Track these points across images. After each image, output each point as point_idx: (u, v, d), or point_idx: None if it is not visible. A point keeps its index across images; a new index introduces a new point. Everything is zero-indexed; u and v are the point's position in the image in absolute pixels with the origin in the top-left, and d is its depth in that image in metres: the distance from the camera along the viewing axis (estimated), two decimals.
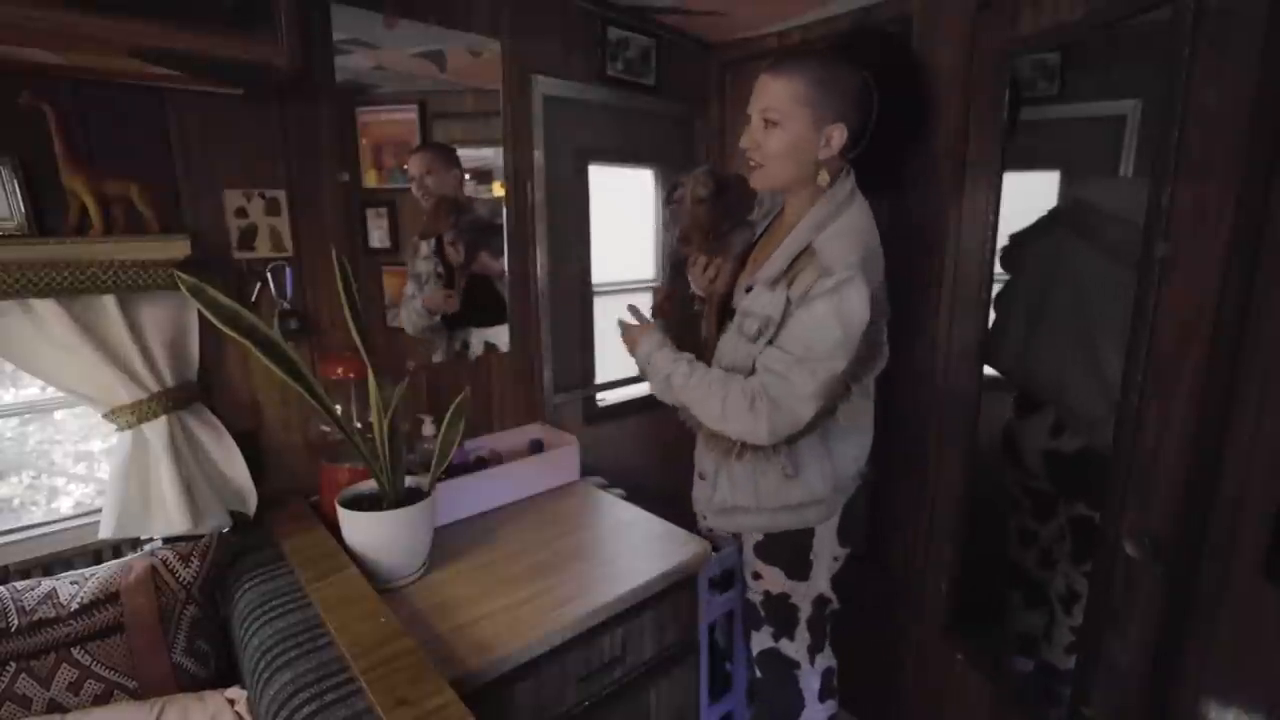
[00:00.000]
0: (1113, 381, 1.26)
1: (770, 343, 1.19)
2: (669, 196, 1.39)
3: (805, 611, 1.39)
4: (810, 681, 1.43)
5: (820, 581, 1.37)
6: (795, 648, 1.41)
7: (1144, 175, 1.38)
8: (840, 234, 1.17)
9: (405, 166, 1.51)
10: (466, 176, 1.61)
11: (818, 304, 1.12)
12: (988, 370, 1.53)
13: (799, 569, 1.36)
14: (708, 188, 1.32)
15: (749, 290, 1.27)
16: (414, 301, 1.58)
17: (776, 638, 1.42)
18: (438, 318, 1.62)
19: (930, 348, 1.61)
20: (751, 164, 1.23)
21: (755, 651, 1.47)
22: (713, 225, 1.34)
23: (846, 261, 1.12)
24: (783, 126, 1.16)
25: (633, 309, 1.39)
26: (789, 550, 1.35)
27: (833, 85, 1.15)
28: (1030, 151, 1.48)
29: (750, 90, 1.22)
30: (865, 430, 1.35)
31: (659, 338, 1.31)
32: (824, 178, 1.20)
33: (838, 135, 1.17)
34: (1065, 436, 1.50)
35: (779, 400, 1.15)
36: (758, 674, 1.49)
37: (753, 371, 1.21)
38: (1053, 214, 1.50)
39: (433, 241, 1.59)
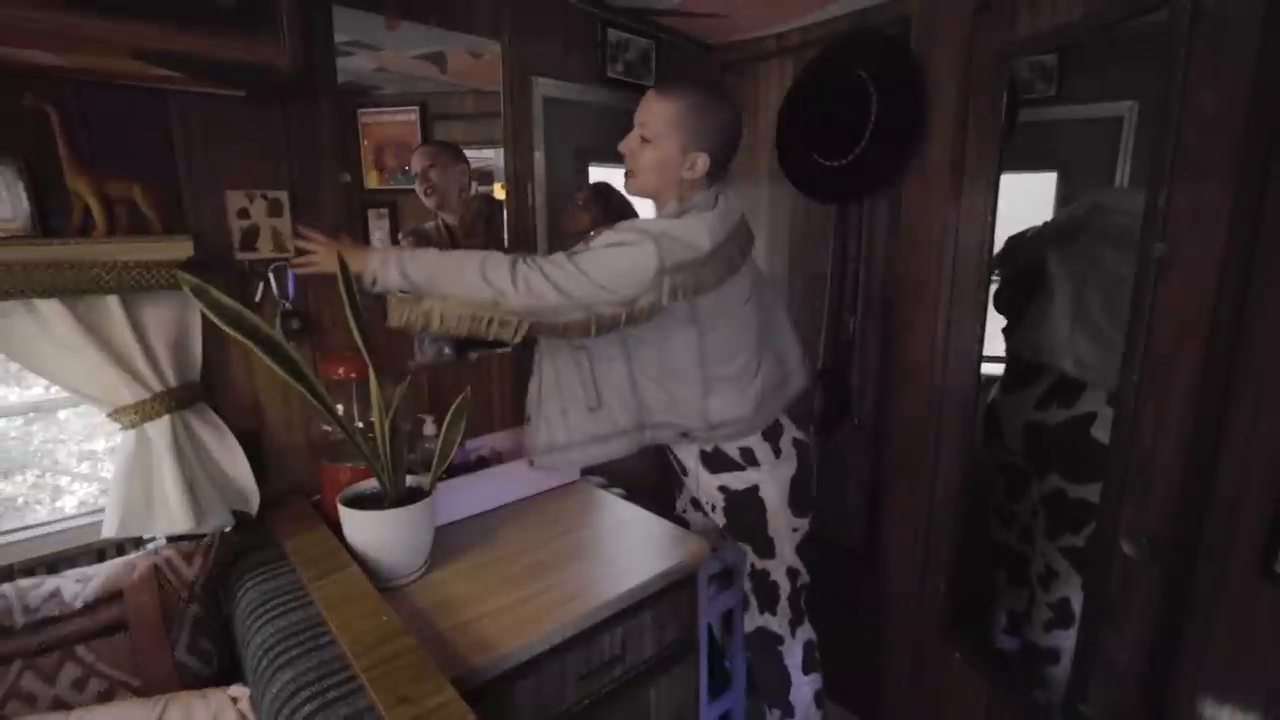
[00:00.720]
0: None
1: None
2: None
3: (785, 588, 1.47)
4: (794, 656, 1.50)
5: (787, 556, 1.46)
6: (778, 622, 1.49)
7: (1141, 176, 1.41)
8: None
9: (407, 167, 1.51)
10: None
11: (593, 246, 1.20)
12: (986, 369, 1.54)
13: (764, 548, 1.44)
14: (584, 194, 1.46)
15: None
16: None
17: (761, 611, 1.49)
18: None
19: (928, 347, 1.62)
20: (626, 169, 1.32)
21: (747, 631, 1.53)
22: (589, 227, 1.44)
23: (633, 227, 1.21)
24: (654, 144, 1.25)
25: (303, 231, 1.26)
26: (747, 530, 1.43)
27: (705, 116, 1.24)
28: (1028, 152, 1.49)
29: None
30: (686, 383, 1.34)
31: (384, 249, 1.24)
32: (688, 194, 1.28)
33: (700, 163, 1.25)
34: (1053, 409, 1.53)
35: (543, 270, 1.16)
36: (747, 655, 1.55)
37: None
38: (1063, 224, 1.51)
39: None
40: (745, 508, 1.42)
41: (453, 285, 1.18)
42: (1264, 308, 0.92)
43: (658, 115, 1.24)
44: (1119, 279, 1.43)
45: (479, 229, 1.63)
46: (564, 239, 1.53)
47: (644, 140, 1.26)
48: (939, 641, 1.68)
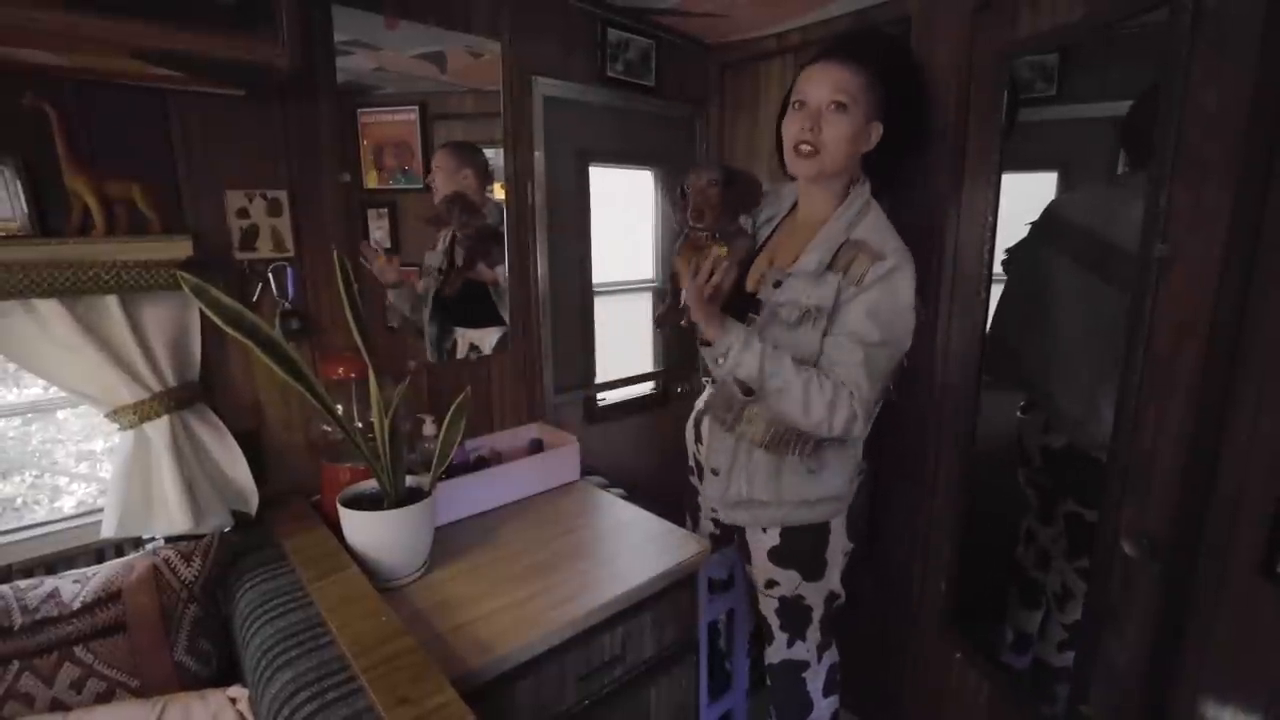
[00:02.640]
0: (1087, 383, 1.34)
1: (826, 333, 1.21)
2: (676, 194, 1.36)
3: (818, 611, 1.41)
4: (817, 680, 1.46)
5: (833, 579, 1.40)
6: (806, 648, 1.44)
7: (1118, 179, 1.41)
8: (875, 227, 1.23)
9: (407, 166, 1.51)
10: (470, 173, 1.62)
11: (879, 287, 1.17)
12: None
13: (815, 570, 1.38)
14: (717, 172, 1.31)
15: (777, 285, 1.26)
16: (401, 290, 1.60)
17: (790, 643, 1.44)
18: (426, 310, 1.63)
19: (929, 347, 1.62)
20: (804, 149, 1.22)
21: (771, 663, 1.49)
22: (725, 209, 1.31)
23: (894, 247, 1.19)
24: (850, 112, 1.19)
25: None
26: (807, 552, 1.37)
27: (880, 88, 1.23)
28: (1028, 152, 1.48)
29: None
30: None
31: (745, 333, 1.23)
32: (857, 172, 1.28)
33: (876, 133, 1.23)
34: (1055, 433, 1.52)
35: (857, 390, 1.17)
36: (769, 683, 1.51)
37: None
38: (1034, 226, 1.52)
39: (448, 238, 1.61)
40: (810, 530, 1.37)
41: (783, 408, 1.19)
42: (1266, 307, 0.92)
43: (853, 81, 1.19)
44: (1057, 292, 1.44)
45: (450, 220, 1.62)
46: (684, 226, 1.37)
47: (838, 108, 1.19)
48: (939, 641, 1.68)
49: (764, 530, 1.38)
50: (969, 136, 1.47)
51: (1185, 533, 1.03)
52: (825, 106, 1.20)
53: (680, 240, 1.38)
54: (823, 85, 1.20)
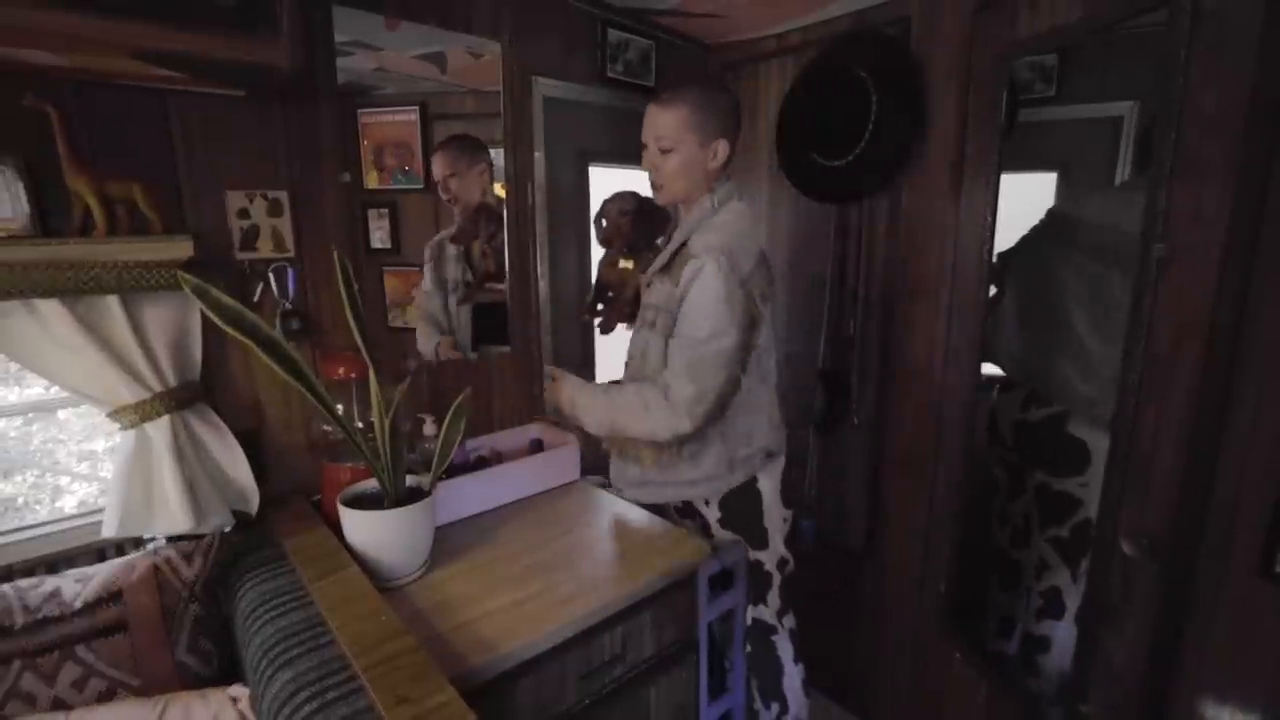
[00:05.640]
0: (1094, 361, 1.40)
1: (670, 336, 1.33)
2: (597, 215, 1.54)
3: (776, 577, 1.51)
4: (785, 645, 1.55)
5: (778, 545, 1.51)
6: (769, 613, 1.53)
7: (1127, 179, 1.42)
8: (708, 230, 1.33)
9: (407, 167, 1.51)
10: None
11: (693, 289, 1.26)
12: (985, 368, 1.54)
13: (759, 539, 1.48)
14: (630, 204, 1.49)
15: (649, 286, 1.42)
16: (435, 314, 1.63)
17: (755, 603, 1.53)
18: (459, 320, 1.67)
19: (929, 347, 1.62)
20: (653, 184, 1.38)
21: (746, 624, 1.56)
22: (634, 238, 1.50)
23: (707, 245, 1.28)
24: (676, 151, 1.32)
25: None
26: (744, 523, 1.47)
27: (712, 108, 1.31)
28: (1028, 152, 1.49)
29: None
30: (756, 410, 1.42)
31: (575, 380, 1.45)
32: (714, 184, 1.36)
33: (722, 148, 1.33)
34: (1033, 408, 1.56)
35: (673, 388, 1.27)
36: (748, 649, 1.58)
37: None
38: (1036, 230, 1.53)
39: (461, 247, 1.63)
40: (743, 500, 1.46)
41: (633, 429, 1.35)
42: (1264, 308, 0.92)
43: (669, 124, 1.30)
44: (1063, 283, 1.46)
45: (478, 234, 1.65)
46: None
47: (664, 151, 1.32)
48: (939, 641, 1.68)
49: (706, 503, 1.49)
50: (968, 137, 1.47)
51: (1184, 533, 1.03)
52: (655, 149, 1.33)
53: (605, 255, 1.61)
54: (647, 132, 1.34)
